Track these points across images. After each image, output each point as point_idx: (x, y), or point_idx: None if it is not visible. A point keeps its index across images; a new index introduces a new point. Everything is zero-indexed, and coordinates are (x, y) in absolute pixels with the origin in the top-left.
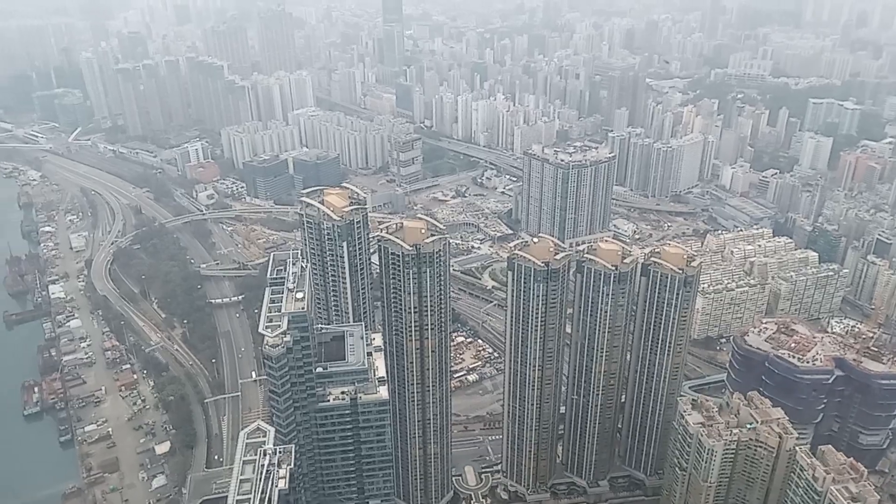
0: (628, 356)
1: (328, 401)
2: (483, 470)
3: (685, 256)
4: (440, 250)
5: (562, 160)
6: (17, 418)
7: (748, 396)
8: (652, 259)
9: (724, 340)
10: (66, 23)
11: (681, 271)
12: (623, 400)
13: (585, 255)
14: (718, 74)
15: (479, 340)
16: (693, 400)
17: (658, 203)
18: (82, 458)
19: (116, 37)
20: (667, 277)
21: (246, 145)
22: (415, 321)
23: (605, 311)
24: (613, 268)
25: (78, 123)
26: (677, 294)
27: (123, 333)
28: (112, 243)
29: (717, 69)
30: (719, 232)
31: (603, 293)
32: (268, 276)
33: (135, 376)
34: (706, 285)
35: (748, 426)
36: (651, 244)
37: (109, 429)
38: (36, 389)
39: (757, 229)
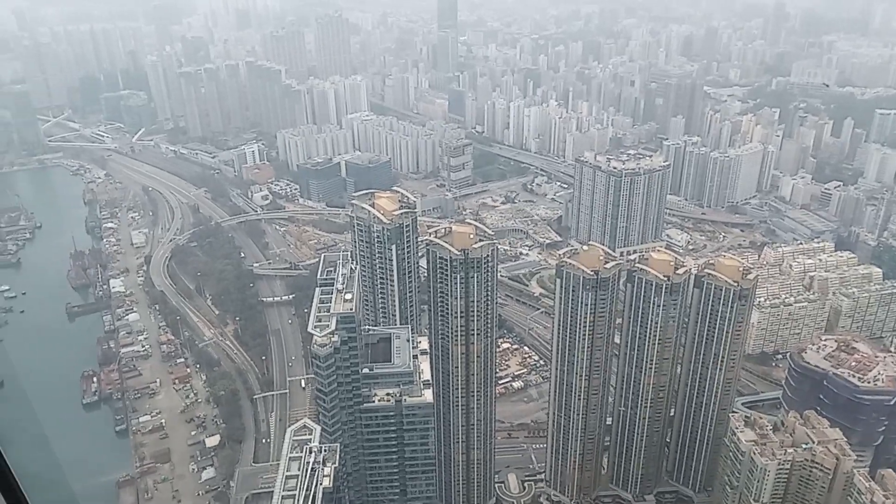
0: (679, 369)
1: (373, 402)
2: (526, 478)
3: (741, 269)
4: (488, 256)
5: (614, 168)
6: (76, 406)
7: (804, 415)
8: (706, 270)
9: (780, 357)
10: (134, 27)
11: (736, 284)
12: (672, 413)
13: (636, 265)
14: (780, 83)
15: (525, 347)
16: (746, 417)
17: (704, 213)
18: (136, 448)
19: (180, 41)
20: (721, 290)
21: (300, 148)
22: (461, 326)
23: (656, 323)
24: (665, 278)
25: (142, 124)
26: (732, 307)
27: (179, 328)
28: (170, 241)
29: (779, 77)
30: (778, 245)
31: (654, 304)
32: (318, 276)
33: (188, 370)
34: (762, 299)
35: (804, 446)
36: (705, 255)
37: (163, 420)
38: (94, 379)
39: (818, 243)
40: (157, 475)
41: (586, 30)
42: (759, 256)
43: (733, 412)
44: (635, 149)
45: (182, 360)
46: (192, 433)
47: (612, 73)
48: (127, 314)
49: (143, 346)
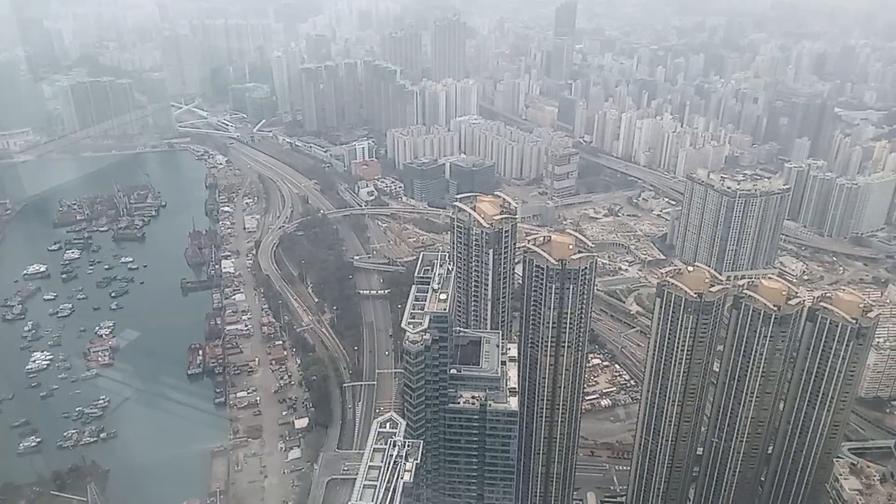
0: (781, 405)
1: (458, 403)
2: (606, 499)
3: (861, 305)
4: (586, 268)
5: (728, 187)
6: (182, 376)
7: None
8: (821, 304)
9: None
10: (264, 24)
11: (854, 321)
12: (770, 451)
13: (744, 291)
14: None
15: (617, 365)
16: (852, 464)
17: (810, 238)
18: (231, 421)
19: (305, 38)
20: (836, 326)
21: (408, 147)
22: (552, 336)
23: (761, 354)
24: (775, 308)
25: (263, 116)
26: (847, 345)
27: (280, 312)
28: (279, 228)
29: None
30: None
31: (760, 334)
32: (415, 274)
33: (285, 353)
34: (882, 339)
35: None
36: (822, 287)
37: (258, 398)
38: (200, 352)
39: None
40: (247, 449)
41: (710, 42)
42: (882, 294)
43: (838, 458)
44: (752, 169)
45: (280, 342)
46: (283, 413)
47: (735, 88)
48: (234, 294)
49: (245, 326)
